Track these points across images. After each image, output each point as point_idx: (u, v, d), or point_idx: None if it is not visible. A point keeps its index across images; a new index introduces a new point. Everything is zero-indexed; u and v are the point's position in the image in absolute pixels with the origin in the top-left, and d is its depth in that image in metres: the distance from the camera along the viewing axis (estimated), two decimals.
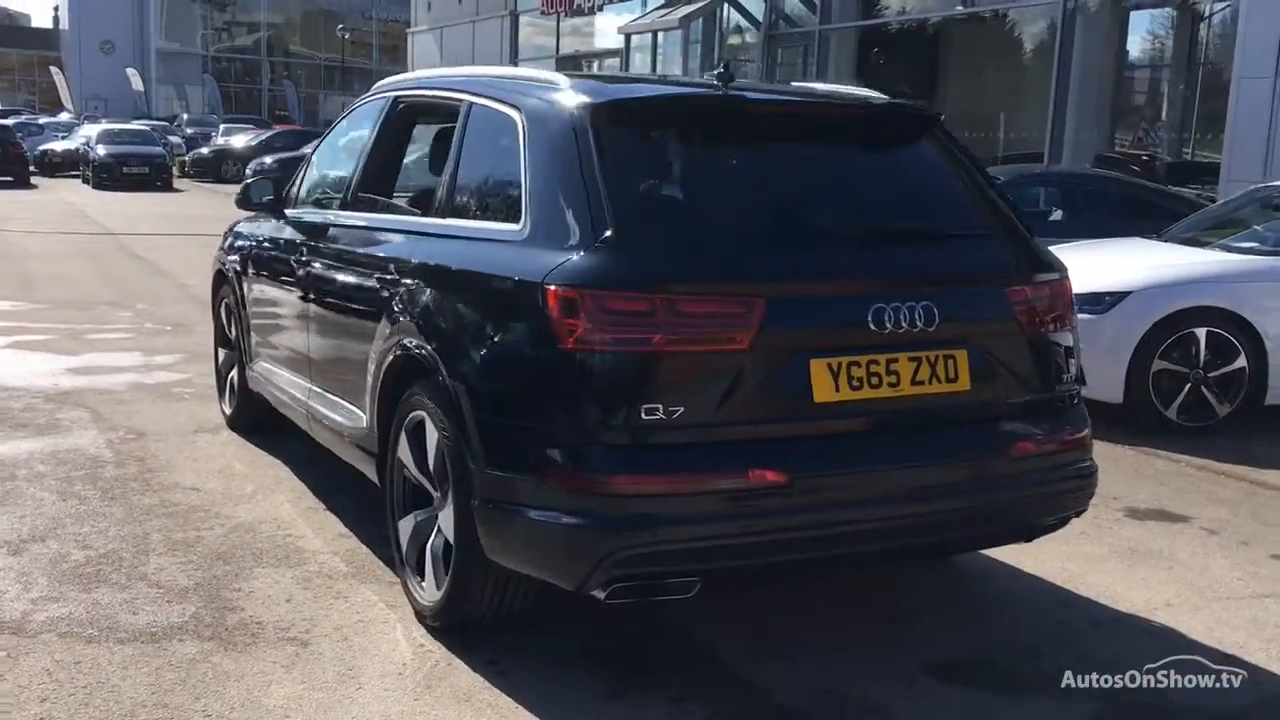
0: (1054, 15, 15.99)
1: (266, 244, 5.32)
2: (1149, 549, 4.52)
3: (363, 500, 4.79)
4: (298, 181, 5.26)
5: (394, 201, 4.39)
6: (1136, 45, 17.40)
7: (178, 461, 5.36)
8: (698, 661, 3.44)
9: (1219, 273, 6.58)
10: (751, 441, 2.98)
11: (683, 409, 2.91)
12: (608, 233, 2.99)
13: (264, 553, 4.21)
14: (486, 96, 3.75)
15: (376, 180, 4.52)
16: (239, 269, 5.61)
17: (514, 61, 29.94)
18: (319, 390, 4.52)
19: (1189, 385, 6.29)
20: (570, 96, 3.32)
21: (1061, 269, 3.44)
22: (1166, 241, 7.44)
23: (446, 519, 3.43)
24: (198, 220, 18.35)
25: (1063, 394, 3.41)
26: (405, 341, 3.63)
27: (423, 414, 3.55)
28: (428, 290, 3.56)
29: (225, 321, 5.98)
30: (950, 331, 3.14)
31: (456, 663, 3.39)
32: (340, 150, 5.11)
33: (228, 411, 6.02)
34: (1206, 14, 15.92)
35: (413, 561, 3.72)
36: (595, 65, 27.33)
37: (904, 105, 3.51)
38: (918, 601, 3.90)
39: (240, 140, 31.24)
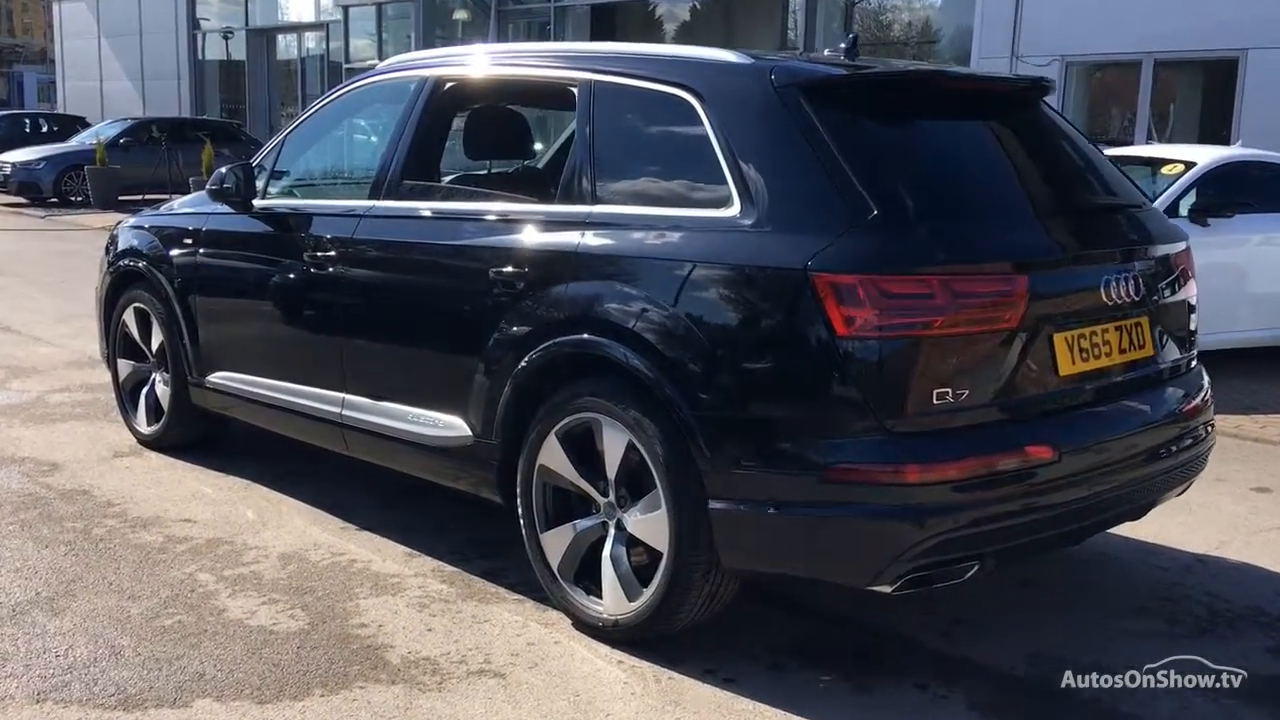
0: None
1: (236, 240, 4.74)
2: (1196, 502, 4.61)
3: (387, 512, 4.48)
4: (265, 172, 4.71)
5: (485, 190, 4.04)
6: None
7: (132, 491, 4.70)
8: (908, 649, 3.44)
9: None
10: (1020, 419, 3.03)
11: (967, 391, 2.91)
12: (872, 214, 2.92)
13: (347, 583, 3.80)
14: (622, 75, 3.53)
15: (423, 167, 4.15)
16: (175, 270, 4.97)
17: (192, 33, 27.88)
18: (367, 400, 4.11)
19: None
20: (770, 76, 3.19)
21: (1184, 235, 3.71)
22: None
23: (648, 526, 3.24)
24: None
25: (1193, 355, 3.68)
26: (562, 340, 3.38)
27: (594, 416, 3.33)
28: (601, 284, 3.32)
29: (136, 330, 5.28)
30: (1142, 299, 3.31)
31: (677, 676, 3.22)
32: (338, 137, 4.63)
33: (145, 431, 5.33)
34: None
35: (571, 576, 3.49)
36: (303, 39, 25.89)
37: (1045, 79, 3.64)
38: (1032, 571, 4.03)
39: None
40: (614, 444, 3.30)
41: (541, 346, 3.44)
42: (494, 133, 4.39)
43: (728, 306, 3.07)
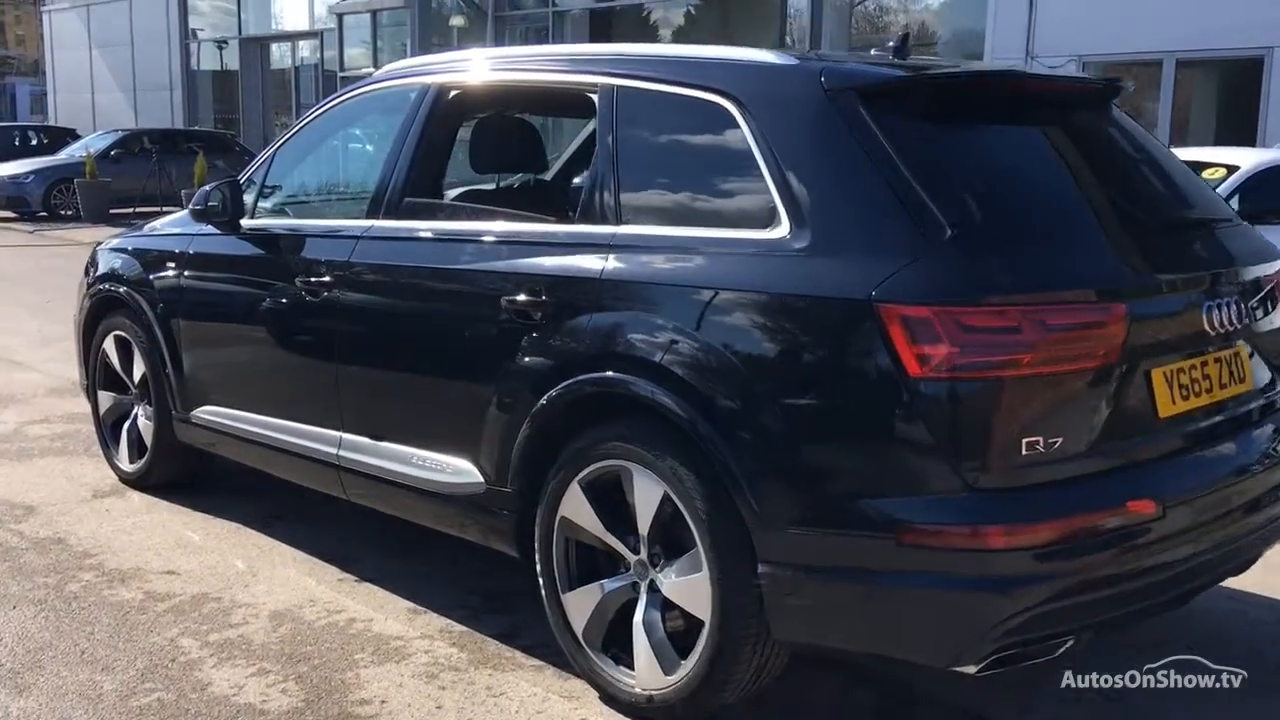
0: None
1: (223, 263, 4.36)
2: None
3: (389, 560, 4.11)
4: (255, 188, 4.34)
5: (495, 208, 3.66)
6: None
7: (111, 539, 4.31)
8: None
9: None
10: (1118, 469, 2.64)
11: (1059, 439, 2.52)
12: (946, 234, 2.54)
13: (345, 647, 3.41)
14: (649, 79, 3.15)
15: (426, 183, 3.77)
16: (159, 296, 4.59)
17: (185, 43, 27.50)
18: (367, 440, 3.72)
19: None
20: (820, 78, 2.81)
21: None
22: None
23: (686, 590, 2.86)
24: None
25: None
26: (585, 377, 3.00)
27: (623, 464, 2.95)
28: (629, 314, 2.94)
29: (117, 360, 4.89)
30: (1240, 326, 2.93)
31: None
32: (333, 150, 4.25)
33: (129, 469, 4.94)
34: None
35: (598, 642, 3.10)
36: (296, 47, 25.50)
37: (1118, 80, 3.25)
38: None
39: None
40: (647, 496, 2.92)
41: (562, 384, 3.06)
42: (503, 144, 4.01)
43: (778, 342, 2.69)
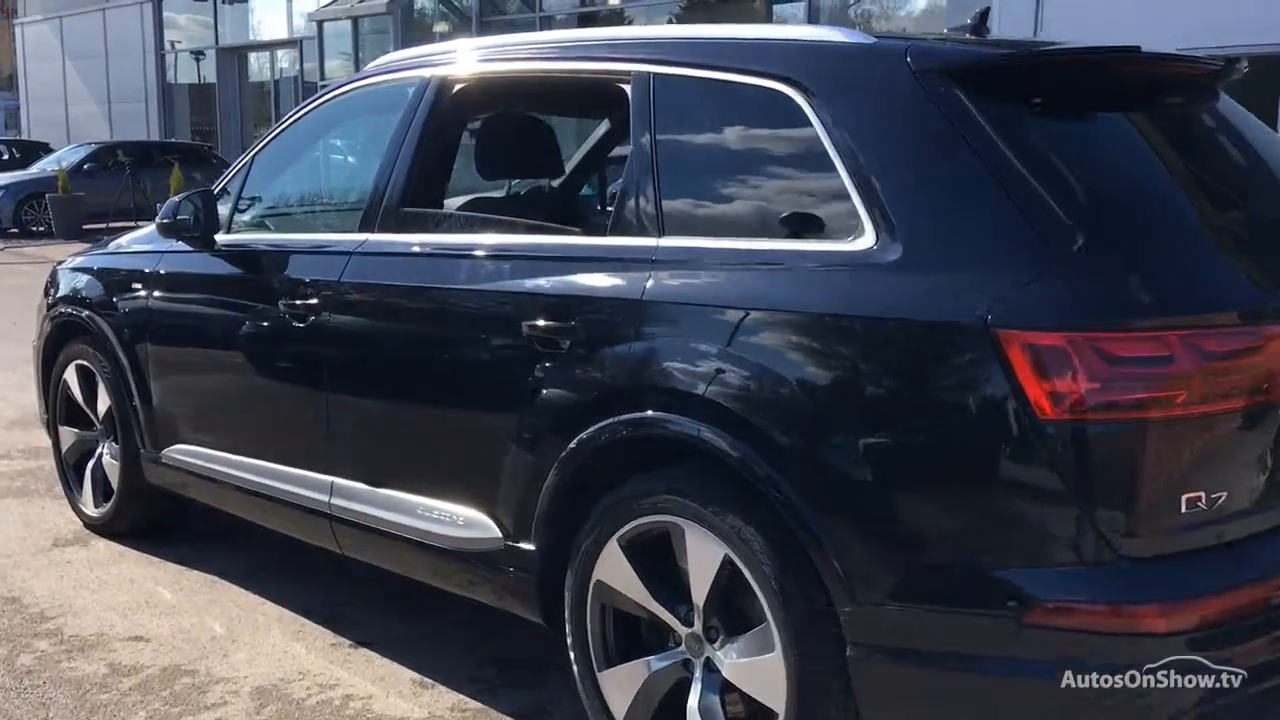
0: None
1: (195, 284, 3.87)
2: None
3: (389, 619, 3.63)
4: (231, 199, 3.85)
5: (509, 218, 3.18)
6: None
7: (72, 597, 3.81)
8: None
9: None
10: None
11: (1225, 493, 2.06)
12: (1077, 243, 2.08)
13: None
14: (693, 65, 2.68)
15: (428, 191, 3.29)
16: (124, 321, 4.09)
17: (160, 54, 26.94)
18: (363, 486, 3.23)
19: None
20: (907, 59, 2.35)
21: None
22: None
23: (754, 672, 2.39)
24: None
25: None
26: (626, 418, 2.52)
27: (674, 521, 2.48)
28: (678, 342, 2.47)
29: (80, 392, 4.40)
30: None
31: None
32: (318, 156, 3.77)
33: (94, 513, 4.44)
34: None
35: None
36: (275, 58, 24.93)
37: (1236, 59, 2.78)
38: None
39: None
40: (704, 559, 2.45)
41: (596, 425, 2.58)
42: (514, 146, 3.52)
43: (867, 377, 2.21)
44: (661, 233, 2.62)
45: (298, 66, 23.44)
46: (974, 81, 2.30)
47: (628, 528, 2.57)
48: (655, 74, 2.74)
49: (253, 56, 25.81)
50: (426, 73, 3.32)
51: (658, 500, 2.51)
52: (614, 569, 2.61)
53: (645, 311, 2.54)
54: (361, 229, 3.31)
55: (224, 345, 3.72)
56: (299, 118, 3.81)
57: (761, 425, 2.30)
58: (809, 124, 2.41)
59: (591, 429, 2.59)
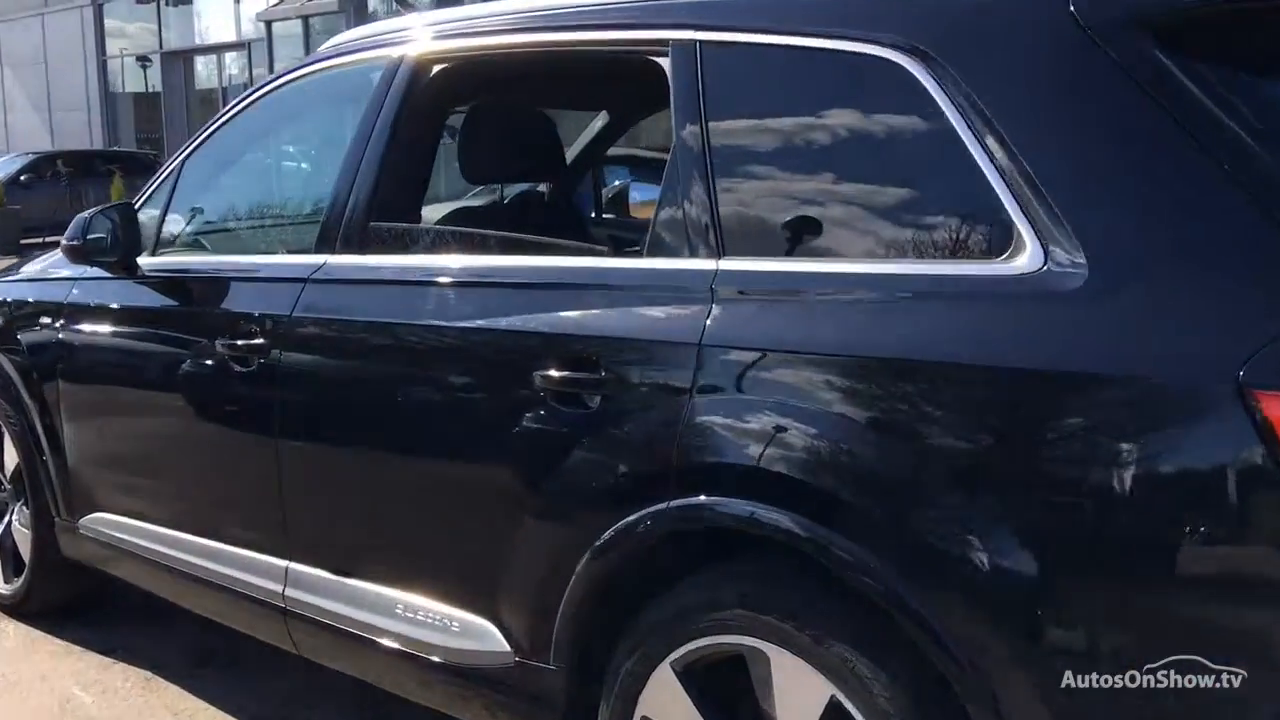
0: None
1: (114, 319, 3.18)
2: None
3: None
4: (157, 214, 3.16)
5: (507, 234, 2.49)
6: None
7: None
8: None
9: None
10: None
11: None
12: None
13: None
14: (756, 28, 2.03)
15: (401, 201, 2.62)
16: (31, 363, 3.39)
17: (103, 61, 25.97)
18: (326, 575, 2.56)
19: None
20: (1069, 7, 1.70)
21: None
22: None
23: None
24: None
25: None
26: (682, 502, 1.87)
27: (751, 644, 1.82)
28: (748, 401, 1.83)
29: None
30: None
31: None
32: (264, 159, 3.08)
33: (3, 590, 3.73)
34: None
35: None
36: (223, 62, 24.03)
37: None
38: None
39: None
40: (795, 695, 1.79)
41: (641, 511, 1.92)
42: (510, 141, 2.85)
43: (1044, 455, 1.56)
44: (721, 253, 1.97)
45: (247, 74, 22.59)
46: (1174, 32, 1.66)
47: (685, 650, 1.91)
48: (705, 43, 2.08)
49: (199, 61, 24.97)
50: (396, 52, 2.64)
51: (728, 615, 1.85)
52: (667, 703, 1.95)
53: (706, 359, 1.88)
54: (318, 249, 2.63)
55: (150, 394, 3.05)
56: (238, 111, 3.12)
57: (885, 520, 1.66)
58: (932, 103, 1.76)
59: (634, 516, 1.94)
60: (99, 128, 26.11)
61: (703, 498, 1.85)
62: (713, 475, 1.85)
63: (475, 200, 3.32)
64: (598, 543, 1.99)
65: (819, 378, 1.76)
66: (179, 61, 24.80)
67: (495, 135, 2.80)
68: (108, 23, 26.04)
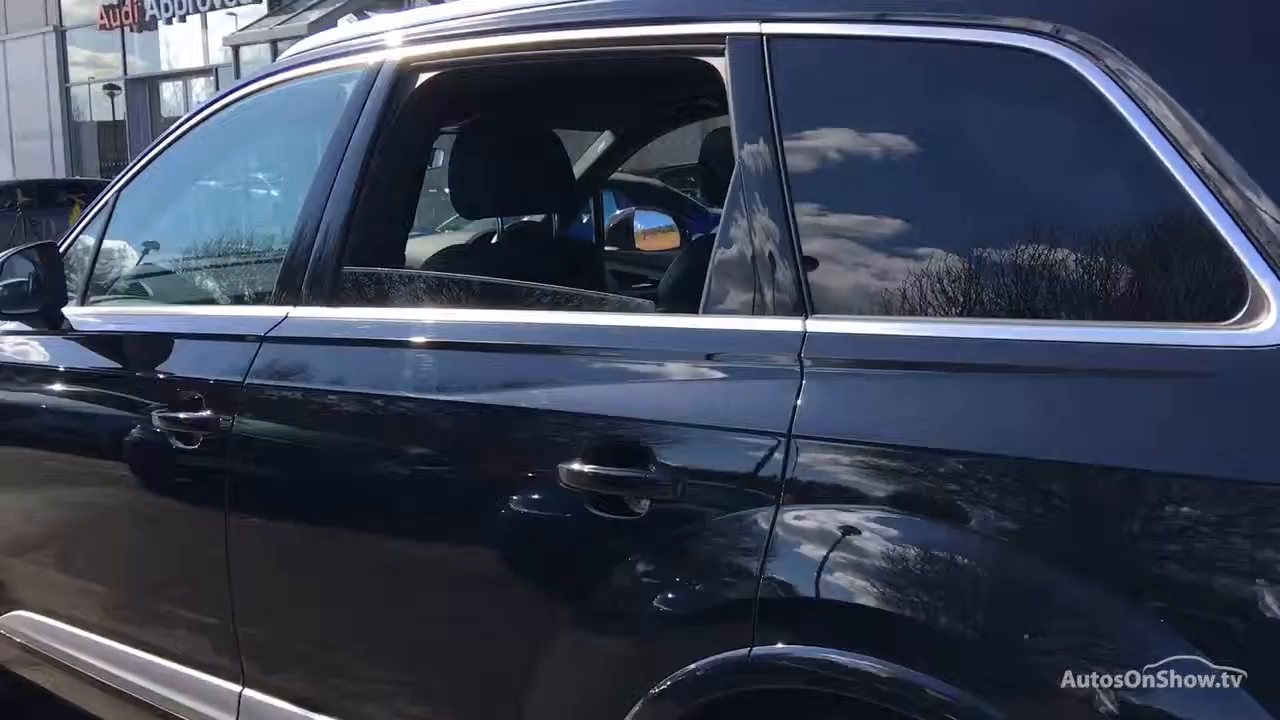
0: None
1: (34, 381, 2.67)
2: None
3: None
4: (86, 257, 2.66)
5: (515, 282, 1.97)
6: None
7: None
8: None
9: None
10: None
11: None
12: None
13: None
14: (847, 20, 1.55)
15: (379, 239, 2.12)
16: None
17: (66, 88, 25.46)
18: (289, 707, 2.05)
19: None
20: None
21: None
22: None
23: None
24: None
25: None
26: (765, 653, 1.38)
27: None
28: (865, 516, 1.35)
29: None
30: None
31: None
32: (213, 189, 2.59)
33: None
34: None
35: None
36: (190, 88, 23.55)
37: None
38: None
39: None
40: None
41: (703, 660, 1.43)
42: (513, 166, 2.35)
43: None
44: (809, 310, 1.48)
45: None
46: None
47: None
48: (774, 37, 1.59)
49: (165, 87, 24.54)
50: (374, 58, 2.13)
51: None
52: None
53: (800, 454, 1.40)
54: (278, 299, 2.13)
55: (79, 476, 2.55)
56: (183, 133, 2.60)
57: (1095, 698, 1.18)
58: (1109, 109, 1.29)
59: (695, 665, 1.44)
60: (62, 156, 25.62)
61: (825, 649, 1.35)
62: (814, 616, 1.37)
63: (468, 234, 2.81)
64: (646, 696, 1.49)
65: (970, 485, 1.28)
66: (144, 88, 24.39)
67: (494, 160, 2.31)
68: (71, 50, 25.57)
